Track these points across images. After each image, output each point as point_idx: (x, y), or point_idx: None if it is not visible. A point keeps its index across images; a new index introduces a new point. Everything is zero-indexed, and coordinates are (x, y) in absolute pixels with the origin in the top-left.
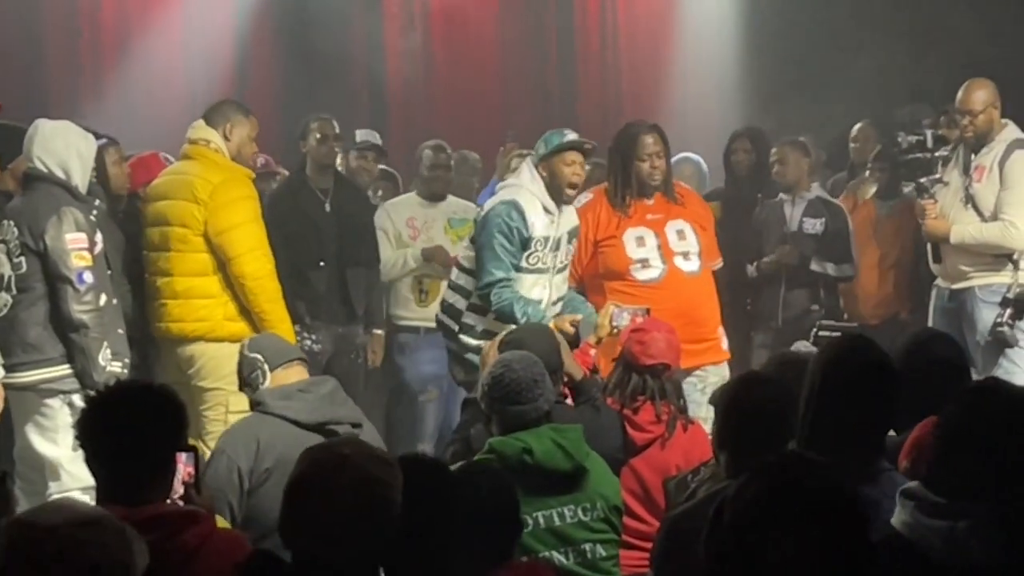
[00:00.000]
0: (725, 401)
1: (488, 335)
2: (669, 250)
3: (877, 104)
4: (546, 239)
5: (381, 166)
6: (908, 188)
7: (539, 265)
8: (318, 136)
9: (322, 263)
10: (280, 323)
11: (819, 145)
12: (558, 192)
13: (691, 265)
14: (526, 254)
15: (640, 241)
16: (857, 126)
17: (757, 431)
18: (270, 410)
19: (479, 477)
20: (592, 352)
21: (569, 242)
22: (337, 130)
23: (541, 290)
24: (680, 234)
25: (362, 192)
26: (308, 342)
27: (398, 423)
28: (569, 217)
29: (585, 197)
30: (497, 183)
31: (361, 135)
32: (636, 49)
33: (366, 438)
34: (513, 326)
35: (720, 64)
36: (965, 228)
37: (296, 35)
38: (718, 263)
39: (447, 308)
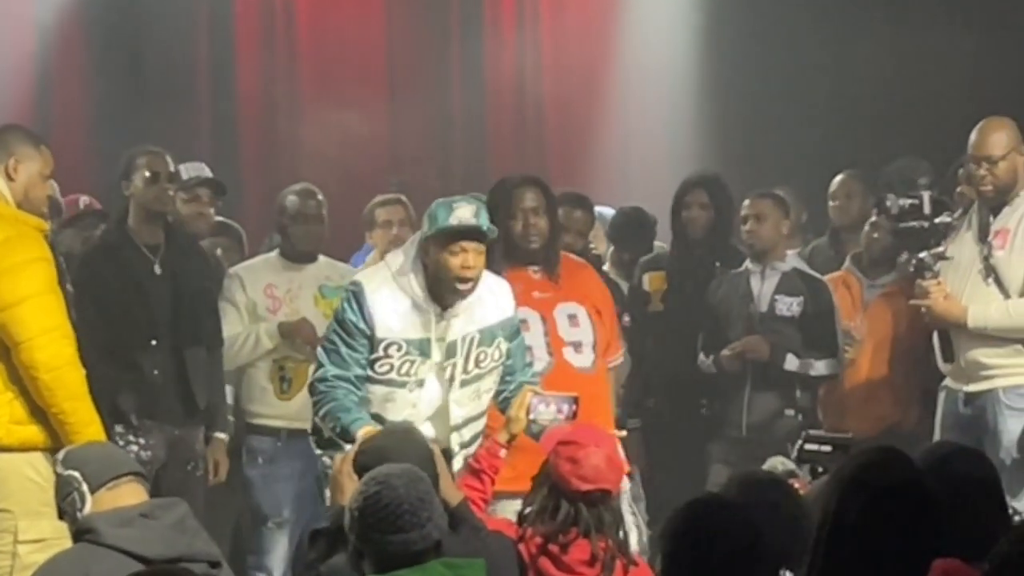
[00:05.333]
0: (675, 532)
1: None
2: (558, 339)
3: (869, 151)
4: (412, 342)
5: (218, 218)
6: (901, 258)
7: (393, 376)
8: (147, 175)
9: (154, 342)
10: (86, 425)
11: (799, 200)
12: (445, 287)
13: (583, 359)
14: (373, 359)
15: (523, 325)
16: (838, 178)
17: (720, 571)
18: (104, 540)
19: None
20: (502, 454)
21: (489, 343)
22: (172, 168)
23: (407, 409)
24: (572, 319)
25: (199, 248)
26: (134, 448)
27: (247, 556)
28: (488, 309)
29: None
30: (369, 244)
31: (188, 170)
32: (563, 70)
33: None
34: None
35: (672, 92)
36: (986, 308)
37: (117, 43)
38: (618, 358)
39: None
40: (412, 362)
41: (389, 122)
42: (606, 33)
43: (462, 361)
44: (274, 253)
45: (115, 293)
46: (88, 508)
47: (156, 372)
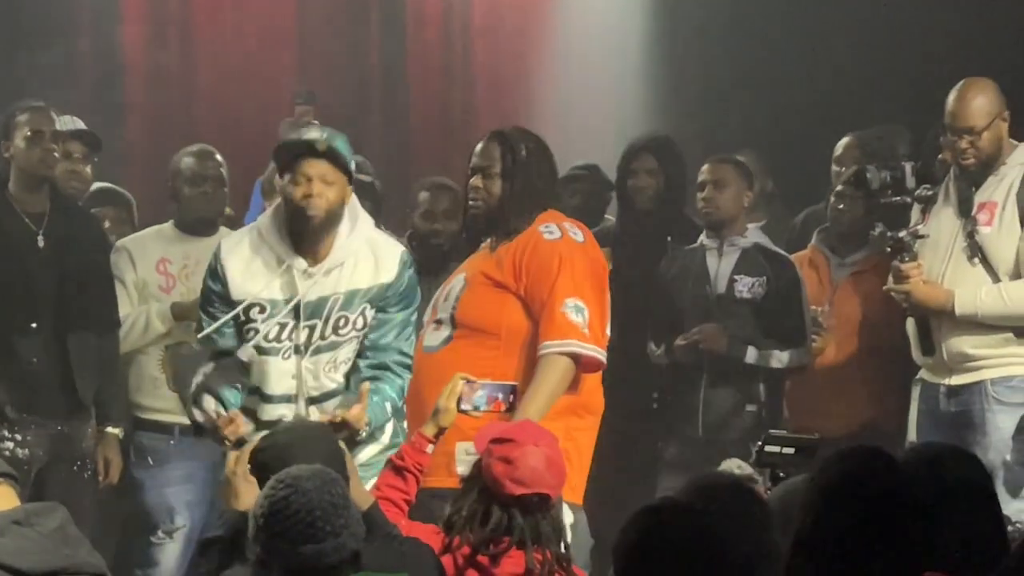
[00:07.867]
0: (629, 540)
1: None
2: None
3: (842, 113)
4: (277, 303)
5: (104, 184)
6: (876, 231)
7: (260, 342)
8: (28, 134)
9: (34, 325)
10: None
11: (763, 167)
12: (293, 223)
13: (433, 337)
14: (240, 324)
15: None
16: (843, 142)
17: None
18: None
19: None
20: (428, 449)
21: (350, 307)
22: (57, 125)
23: (286, 380)
24: (447, 294)
25: (90, 217)
26: (9, 445)
27: (133, 568)
28: (362, 271)
29: None
30: (262, 189)
31: (61, 123)
32: (496, 18)
33: None
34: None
35: (620, 44)
36: (975, 293)
37: None
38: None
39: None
40: (283, 325)
41: (297, 70)
42: None
43: (321, 324)
44: (168, 224)
45: None
46: None
47: (35, 360)
